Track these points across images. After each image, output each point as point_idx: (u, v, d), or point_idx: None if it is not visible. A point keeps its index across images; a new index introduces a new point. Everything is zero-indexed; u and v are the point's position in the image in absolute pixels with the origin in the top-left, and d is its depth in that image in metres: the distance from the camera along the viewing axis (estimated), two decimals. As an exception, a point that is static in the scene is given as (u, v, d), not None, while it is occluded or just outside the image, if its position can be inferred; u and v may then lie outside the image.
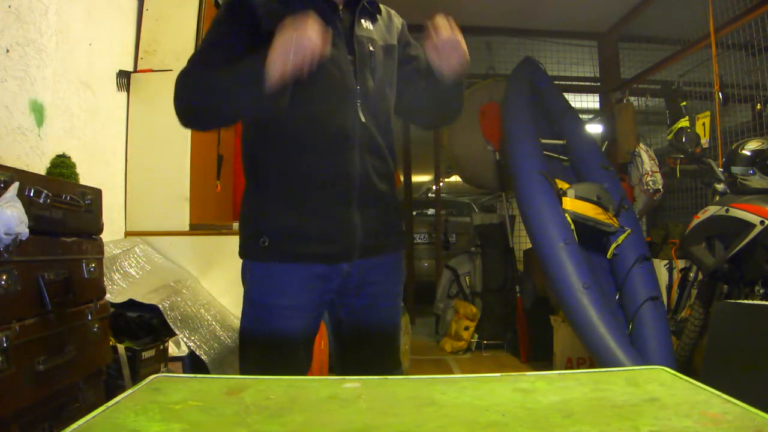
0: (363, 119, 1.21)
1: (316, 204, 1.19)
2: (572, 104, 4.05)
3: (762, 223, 2.25)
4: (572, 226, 3.03)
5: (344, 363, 1.34)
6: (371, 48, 1.24)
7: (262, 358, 1.20)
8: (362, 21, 1.25)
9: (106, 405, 0.70)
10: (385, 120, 1.28)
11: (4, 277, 1.17)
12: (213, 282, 2.59)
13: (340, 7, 1.23)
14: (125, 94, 2.61)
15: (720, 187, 2.69)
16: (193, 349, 2.05)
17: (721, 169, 2.70)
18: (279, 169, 1.19)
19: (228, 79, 1.07)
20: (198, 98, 1.10)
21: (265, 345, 1.19)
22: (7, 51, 1.75)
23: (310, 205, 1.18)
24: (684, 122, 3.48)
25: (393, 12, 1.37)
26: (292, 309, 1.20)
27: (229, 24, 1.17)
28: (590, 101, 5.35)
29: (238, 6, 1.17)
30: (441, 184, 5.70)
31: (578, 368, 3.25)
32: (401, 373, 1.37)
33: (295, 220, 1.18)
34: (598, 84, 5.04)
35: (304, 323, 1.22)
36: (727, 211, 2.42)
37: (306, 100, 1.17)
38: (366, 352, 1.30)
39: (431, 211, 6.75)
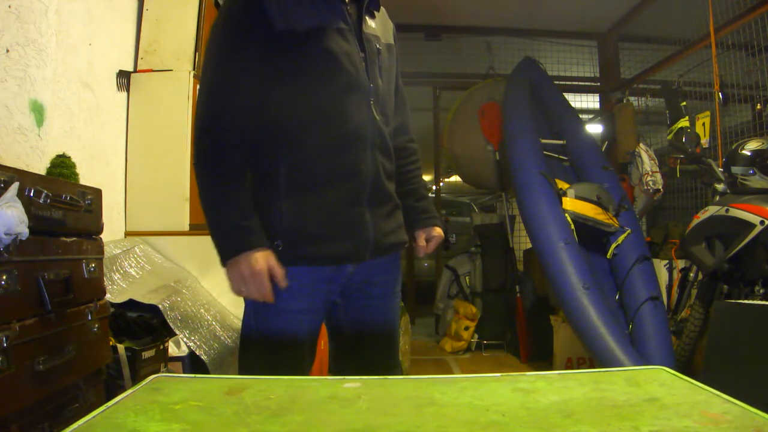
0: (377, 117, 1.21)
1: (328, 203, 1.16)
2: (572, 104, 4.05)
3: (762, 223, 2.24)
4: (572, 226, 3.03)
5: (343, 363, 1.33)
6: (378, 46, 1.24)
7: (268, 361, 1.18)
8: (367, 18, 1.25)
9: (106, 405, 0.70)
10: (391, 119, 1.29)
11: (4, 277, 1.17)
12: (213, 282, 2.58)
13: (347, 0, 1.21)
14: (125, 94, 2.60)
15: (720, 187, 2.68)
16: (193, 349, 2.05)
17: (721, 169, 2.70)
18: (291, 167, 1.15)
19: (210, 204, 1.15)
20: (197, 177, 1.17)
21: (272, 348, 1.17)
22: (7, 51, 1.75)
23: (322, 205, 1.16)
24: (684, 122, 3.48)
25: (385, 11, 1.36)
26: (301, 312, 1.18)
27: (239, 37, 1.13)
28: (590, 101, 5.35)
29: (249, 9, 1.12)
30: (441, 184, 5.68)
31: (578, 368, 3.25)
32: (400, 373, 1.37)
33: (308, 221, 1.16)
34: (598, 84, 5.04)
35: (310, 325, 1.21)
36: (727, 211, 2.42)
37: (322, 96, 1.15)
38: (366, 351, 1.30)
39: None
